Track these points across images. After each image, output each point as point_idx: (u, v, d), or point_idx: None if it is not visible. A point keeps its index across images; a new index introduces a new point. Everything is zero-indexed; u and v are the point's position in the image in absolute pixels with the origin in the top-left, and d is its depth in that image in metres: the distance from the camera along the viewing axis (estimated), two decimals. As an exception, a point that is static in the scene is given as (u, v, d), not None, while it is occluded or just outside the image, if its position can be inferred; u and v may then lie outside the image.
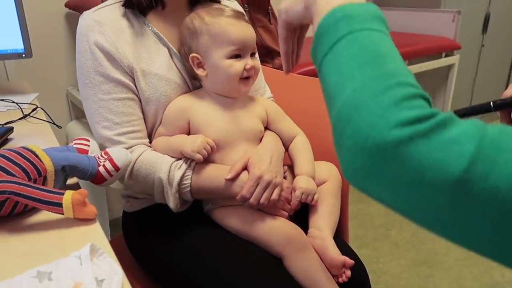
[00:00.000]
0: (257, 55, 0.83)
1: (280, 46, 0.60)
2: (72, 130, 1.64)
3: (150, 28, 0.82)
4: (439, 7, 2.42)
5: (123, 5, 0.81)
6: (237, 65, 0.77)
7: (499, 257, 0.32)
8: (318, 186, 0.83)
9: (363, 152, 0.34)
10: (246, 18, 0.81)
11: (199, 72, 0.80)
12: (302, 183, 0.80)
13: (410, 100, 0.34)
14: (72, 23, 1.63)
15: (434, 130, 0.32)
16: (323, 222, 0.81)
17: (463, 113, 0.63)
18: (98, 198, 1.51)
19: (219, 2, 0.89)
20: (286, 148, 0.88)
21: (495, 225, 0.30)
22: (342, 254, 0.78)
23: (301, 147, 0.87)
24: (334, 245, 0.78)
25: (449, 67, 2.38)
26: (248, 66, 0.77)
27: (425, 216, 0.33)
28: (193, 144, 0.75)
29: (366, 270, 0.86)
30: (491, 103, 0.61)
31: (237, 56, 0.77)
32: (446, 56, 2.34)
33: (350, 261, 0.76)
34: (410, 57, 2.15)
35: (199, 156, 0.74)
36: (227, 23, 0.76)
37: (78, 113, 1.71)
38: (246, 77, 0.79)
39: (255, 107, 0.85)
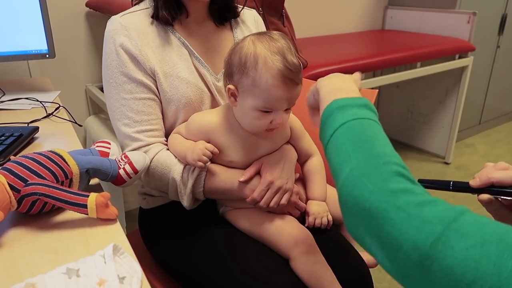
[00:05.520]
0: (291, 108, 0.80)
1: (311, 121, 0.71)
2: (90, 125, 1.70)
3: (174, 34, 0.86)
4: (455, 8, 2.41)
5: (151, 16, 0.85)
6: (264, 120, 0.76)
7: None
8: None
9: (362, 219, 0.42)
10: (300, 75, 0.76)
11: (230, 101, 0.79)
12: (315, 208, 0.86)
13: (394, 177, 0.42)
14: (92, 22, 1.68)
15: (414, 207, 0.38)
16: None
17: (425, 184, 0.66)
18: (114, 190, 1.58)
19: (238, 15, 0.93)
20: (301, 164, 0.91)
21: None
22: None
23: (316, 170, 0.89)
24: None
25: (463, 69, 2.38)
26: (274, 123, 0.77)
27: (404, 279, 0.38)
28: (192, 153, 0.77)
29: (369, 269, 0.90)
30: (451, 184, 0.64)
31: (268, 110, 0.76)
32: (460, 57, 2.34)
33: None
34: (424, 59, 2.15)
35: (200, 164, 0.76)
36: (273, 84, 0.72)
37: (96, 108, 1.77)
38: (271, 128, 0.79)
39: (280, 129, 0.83)
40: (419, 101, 2.71)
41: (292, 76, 0.73)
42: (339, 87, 0.58)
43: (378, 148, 0.46)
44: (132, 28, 0.83)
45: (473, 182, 0.62)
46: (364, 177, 0.43)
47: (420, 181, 0.66)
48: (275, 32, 0.78)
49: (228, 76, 0.78)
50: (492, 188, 0.59)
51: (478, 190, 0.61)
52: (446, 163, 2.58)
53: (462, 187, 0.63)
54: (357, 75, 0.69)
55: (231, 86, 0.77)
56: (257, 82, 0.73)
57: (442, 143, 2.62)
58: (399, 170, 0.43)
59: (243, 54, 0.74)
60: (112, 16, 0.86)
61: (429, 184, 0.65)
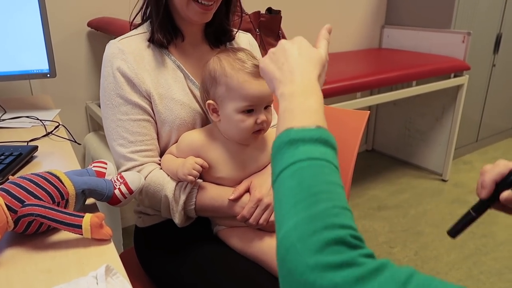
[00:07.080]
0: (271, 107, 0.85)
1: None
2: (89, 141, 1.72)
3: (169, 57, 0.90)
4: (450, 27, 2.45)
5: (148, 40, 0.89)
6: (249, 121, 0.80)
7: None
8: None
9: None
10: None
11: (213, 117, 0.83)
12: None
13: (334, 246, 0.37)
14: (93, 41, 1.72)
15: (353, 283, 0.34)
16: None
17: (456, 231, 0.65)
18: (111, 207, 1.59)
19: (234, 39, 0.96)
20: None
21: None
22: None
23: None
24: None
25: (458, 87, 2.41)
26: (259, 121, 0.80)
27: None
28: (183, 168, 0.80)
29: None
30: (472, 213, 0.63)
31: (249, 110, 0.80)
32: (455, 76, 2.37)
33: None
34: (419, 77, 2.19)
35: (190, 178, 0.79)
36: (244, 80, 0.78)
37: (96, 125, 1.80)
38: (258, 130, 0.82)
39: (268, 143, 0.88)
40: (416, 119, 2.74)
41: (259, 71, 0.75)
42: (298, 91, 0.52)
43: (323, 204, 0.40)
44: (129, 52, 0.86)
45: (482, 194, 0.61)
46: (300, 244, 0.38)
47: (449, 233, 0.65)
48: (236, 47, 0.86)
49: (205, 93, 0.84)
50: (500, 184, 0.59)
51: (493, 198, 0.60)
52: (444, 181, 2.59)
53: (481, 206, 0.62)
54: (324, 42, 0.68)
55: (210, 101, 0.82)
56: (230, 85, 0.79)
57: (440, 160, 2.63)
58: (340, 236, 0.38)
59: (211, 68, 0.82)
60: (111, 41, 0.89)
61: (458, 229, 0.64)
